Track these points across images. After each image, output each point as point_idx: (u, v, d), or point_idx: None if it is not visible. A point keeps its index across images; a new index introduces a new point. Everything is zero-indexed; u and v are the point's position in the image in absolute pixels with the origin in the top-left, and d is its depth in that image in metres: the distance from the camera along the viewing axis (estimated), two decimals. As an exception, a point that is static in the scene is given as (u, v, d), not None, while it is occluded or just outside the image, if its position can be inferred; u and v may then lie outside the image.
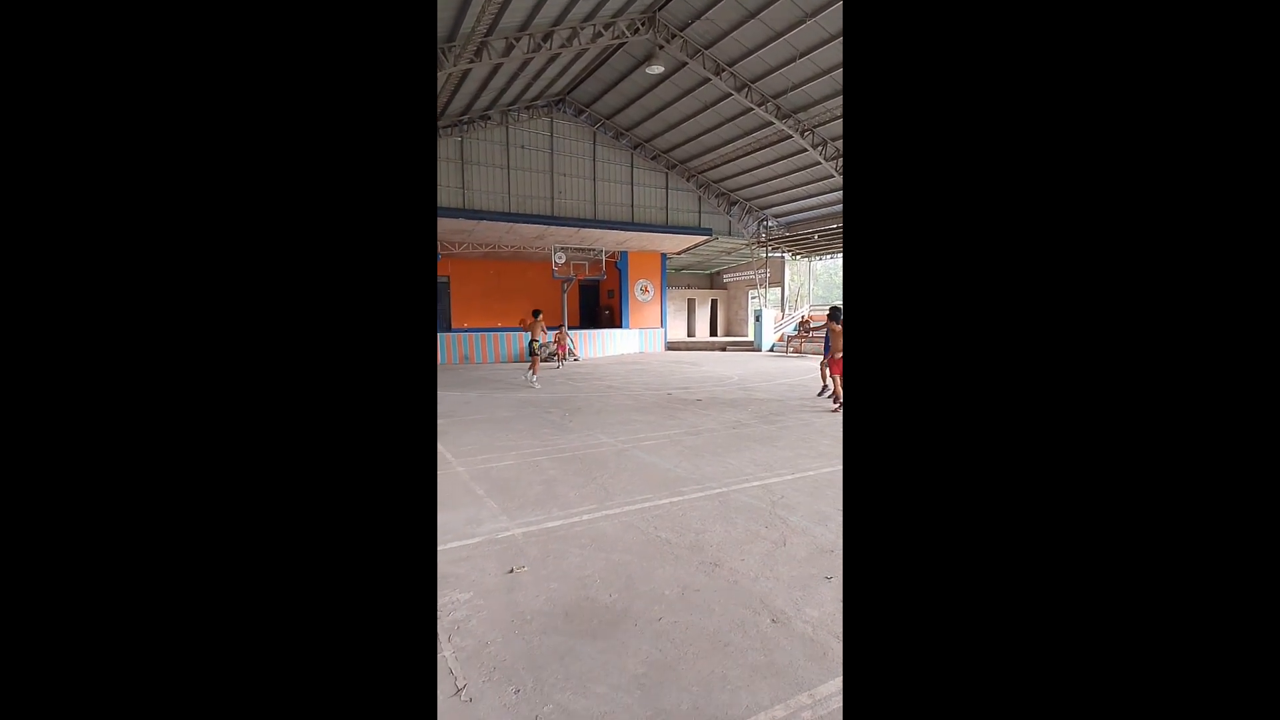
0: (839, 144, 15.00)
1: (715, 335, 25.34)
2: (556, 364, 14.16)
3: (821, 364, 8.99)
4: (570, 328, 17.06)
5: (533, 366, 10.64)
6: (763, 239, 19.66)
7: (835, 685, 1.97)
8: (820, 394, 8.65)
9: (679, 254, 20.45)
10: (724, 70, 13.53)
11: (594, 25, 12.07)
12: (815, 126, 14.71)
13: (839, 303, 10.21)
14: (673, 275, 23.81)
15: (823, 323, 9.60)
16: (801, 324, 18.69)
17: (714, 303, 26.05)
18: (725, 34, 12.50)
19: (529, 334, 10.69)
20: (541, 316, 11.00)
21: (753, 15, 11.69)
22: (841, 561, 2.89)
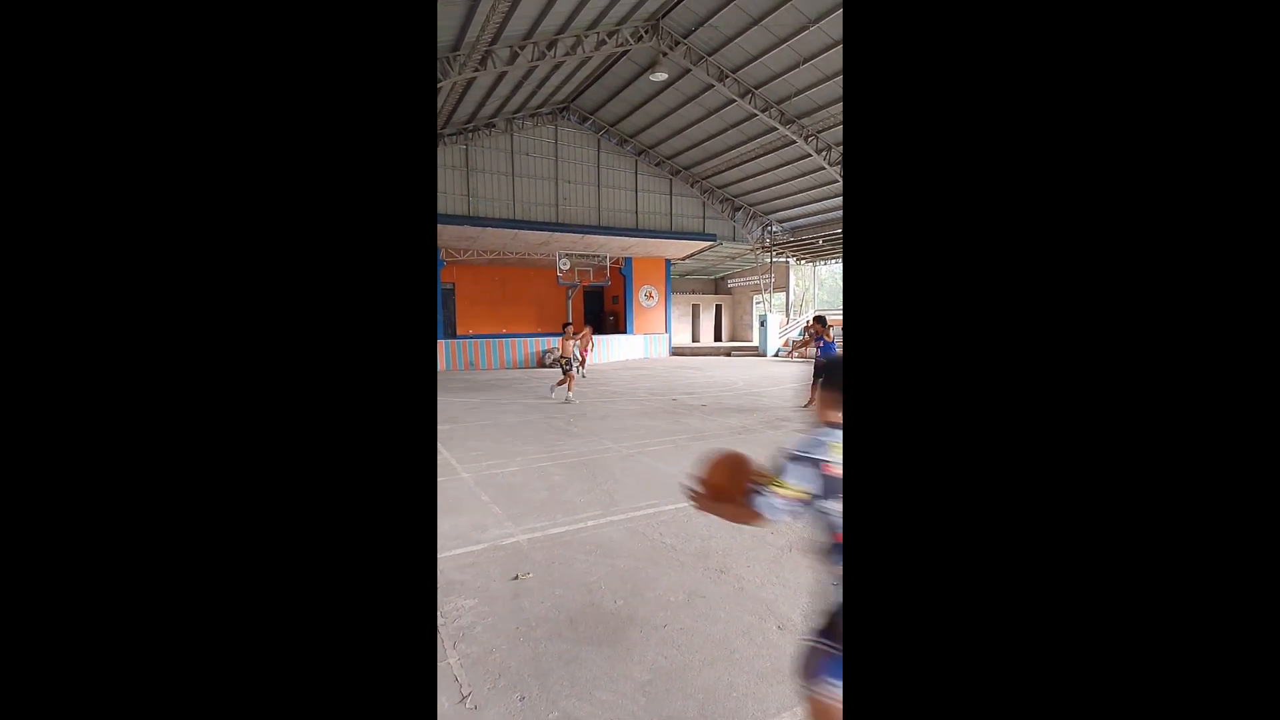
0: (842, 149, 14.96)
1: (720, 341, 25.31)
2: (581, 373, 13.56)
3: (816, 371, 8.37)
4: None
5: (567, 384, 9.20)
6: (767, 244, 19.64)
7: (843, 693, 1.95)
8: (807, 405, 8.11)
9: (683, 260, 20.46)
10: (727, 76, 13.56)
11: (598, 33, 12.13)
12: (819, 132, 14.72)
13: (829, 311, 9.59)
14: (677, 281, 23.81)
15: (816, 330, 9.09)
16: (807, 329, 18.65)
17: (718, 308, 26.03)
18: (729, 40, 12.54)
19: (558, 350, 9.01)
20: (570, 329, 9.73)
21: (756, 21, 11.73)
22: (848, 567, 2.86)
